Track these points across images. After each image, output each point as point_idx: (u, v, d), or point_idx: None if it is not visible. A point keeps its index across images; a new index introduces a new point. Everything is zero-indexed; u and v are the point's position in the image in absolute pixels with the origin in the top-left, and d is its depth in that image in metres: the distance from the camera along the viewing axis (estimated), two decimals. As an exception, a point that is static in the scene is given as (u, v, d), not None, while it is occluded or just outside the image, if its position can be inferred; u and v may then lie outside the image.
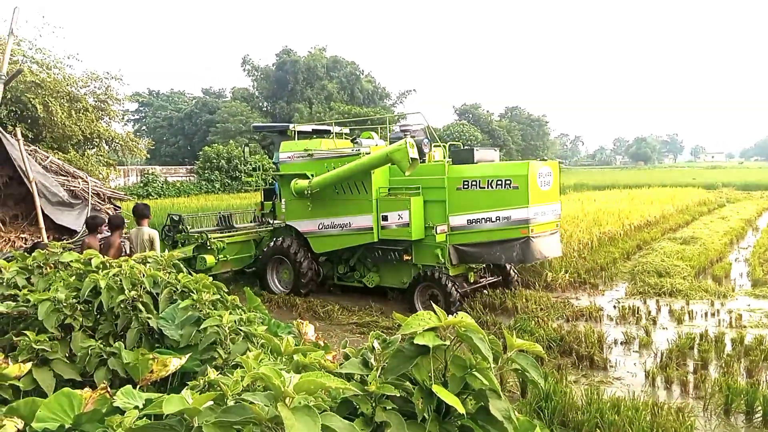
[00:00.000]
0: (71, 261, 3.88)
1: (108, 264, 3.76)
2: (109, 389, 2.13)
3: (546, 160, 10.16)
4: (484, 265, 10.71)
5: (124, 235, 8.14)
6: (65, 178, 10.04)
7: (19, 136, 8.96)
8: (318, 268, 11.38)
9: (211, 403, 1.25)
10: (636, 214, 19.43)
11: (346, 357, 1.76)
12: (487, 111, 75.83)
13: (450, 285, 9.39)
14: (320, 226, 10.91)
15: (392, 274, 10.59)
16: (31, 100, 16.40)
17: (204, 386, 1.66)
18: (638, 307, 9.74)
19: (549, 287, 11.37)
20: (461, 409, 1.44)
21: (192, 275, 3.67)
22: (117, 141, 19.92)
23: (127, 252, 7.85)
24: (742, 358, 7.29)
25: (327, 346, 2.81)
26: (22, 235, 9.33)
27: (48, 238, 8.61)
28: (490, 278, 10.89)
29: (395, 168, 9.84)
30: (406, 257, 10.00)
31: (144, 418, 1.33)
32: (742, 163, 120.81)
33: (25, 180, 8.90)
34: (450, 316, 1.68)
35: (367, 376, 1.53)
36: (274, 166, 12.57)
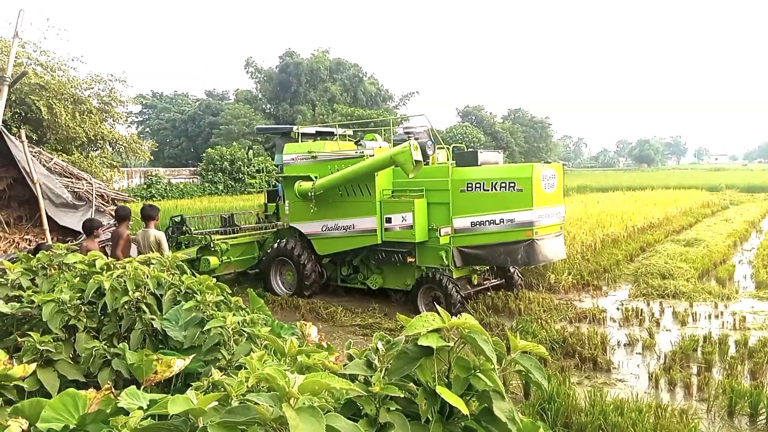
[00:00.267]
0: (75, 262, 3.89)
1: (112, 265, 3.78)
2: (113, 390, 2.14)
3: (550, 162, 10.12)
4: (488, 268, 10.68)
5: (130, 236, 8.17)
6: (69, 179, 10.08)
7: (24, 137, 8.99)
8: (321, 270, 11.38)
9: (216, 403, 1.25)
10: (639, 216, 19.40)
11: (350, 358, 1.77)
12: (490, 113, 75.83)
13: (451, 287, 9.38)
14: (324, 228, 10.91)
15: (396, 276, 10.58)
16: (35, 102, 16.47)
17: (208, 387, 1.67)
18: (641, 309, 9.72)
19: (552, 289, 11.36)
20: (465, 410, 1.44)
21: (196, 276, 3.68)
22: (120, 143, 19.99)
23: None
24: (746, 360, 7.26)
25: (330, 348, 2.81)
26: (26, 237, 9.37)
27: (52, 239, 8.63)
28: (494, 281, 10.86)
29: (399, 170, 9.84)
30: (409, 259, 9.97)
31: (149, 419, 1.34)
32: (745, 165, 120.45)
33: (29, 182, 8.93)
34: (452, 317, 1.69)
35: (371, 377, 1.53)
36: (276, 168, 12.61)
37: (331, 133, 12.53)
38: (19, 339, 2.94)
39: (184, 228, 12.09)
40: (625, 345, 8.16)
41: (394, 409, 1.51)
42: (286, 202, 11.59)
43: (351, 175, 10.05)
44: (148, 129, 66.21)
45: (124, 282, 3.40)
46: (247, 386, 1.36)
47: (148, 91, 71.02)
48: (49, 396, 2.43)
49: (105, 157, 19.72)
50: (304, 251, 11.15)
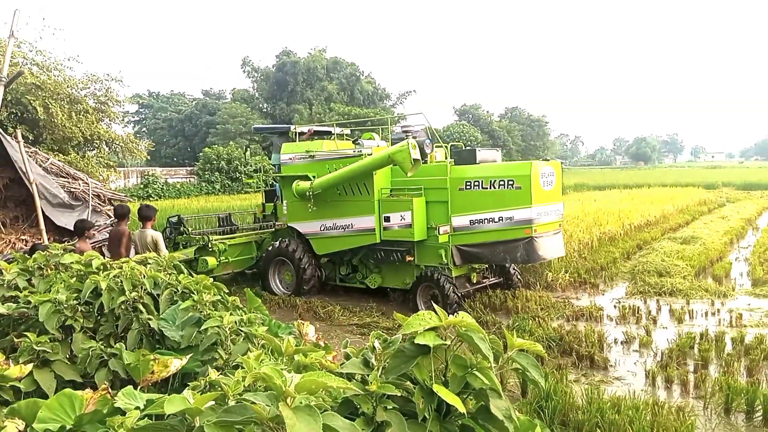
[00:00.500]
0: (72, 262, 3.89)
1: (108, 265, 3.77)
2: (110, 390, 2.14)
3: (548, 160, 10.13)
4: (487, 266, 10.68)
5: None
6: (65, 179, 10.06)
7: (20, 137, 8.97)
8: (320, 270, 11.36)
9: (213, 403, 1.25)
10: (636, 214, 19.44)
11: (347, 357, 1.77)
12: (487, 111, 75.84)
13: (448, 286, 9.37)
14: (322, 228, 10.89)
15: (395, 275, 10.57)
16: (31, 102, 16.43)
17: (205, 387, 1.67)
18: (638, 307, 9.74)
19: (549, 287, 11.38)
20: (462, 409, 1.44)
21: (193, 276, 3.67)
22: (117, 143, 19.95)
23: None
24: (743, 358, 7.29)
25: (328, 347, 2.82)
26: (23, 237, 9.35)
27: (48, 239, 8.62)
28: (493, 279, 10.87)
29: (397, 169, 9.82)
30: (408, 258, 9.96)
31: (145, 419, 1.34)
32: (742, 163, 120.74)
33: (26, 182, 8.91)
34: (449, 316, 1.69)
35: (368, 375, 1.53)
36: (273, 167, 12.58)
37: (329, 133, 12.51)
38: (16, 339, 2.94)
39: (181, 228, 12.07)
40: (622, 343, 8.18)
41: (391, 407, 1.51)
42: (284, 201, 11.56)
43: (349, 174, 10.03)
44: (144, 129, 66.06)
45: (121, 282, 3.40)
46: (244, 386, 1.36)
47: (144, 90, 70.80)
48: (45, 397, 2.43)
49: (101, 157, 19.68)
50: (303, 251, 11.13)
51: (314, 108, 52.41)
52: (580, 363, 7.42)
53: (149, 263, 3.96)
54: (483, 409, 1.57)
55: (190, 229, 12.26)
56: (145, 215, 7.88)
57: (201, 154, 41.95)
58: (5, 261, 4.48)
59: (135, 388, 1.98)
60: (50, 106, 16.61)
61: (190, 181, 40.36)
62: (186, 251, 11.41)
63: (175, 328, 3.18)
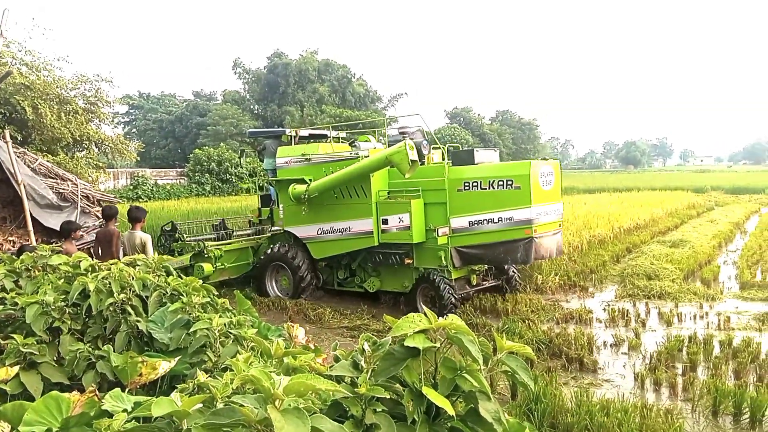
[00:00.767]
0: (60, 264, 3.86)
1: (97, 267, 3.75)
2: (97, 392, 2.12)
3: (547, 159, 10.07)
4: (487, 268, 10.60)
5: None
6: (54, 180, 9.98)
7: (8, 138, 8.90)
8: (317, 274, 11.23)
9: (201, 405, 1.24)
10: (625, 217, 19.55)
11: (337, 359, 1.76)
12: (479, 114, 76.11)
13: (444, 288, 9.30)
14: (319, 232, 10.78)
15: (393, 278, 10.46)
16: (20, 102, 16.31)
17: (193, 389, 1.66)
18: (627, 310, 9.80)
19: (539, 290, 11.41)
20: (451, 411, 1.44)
21: (182, 278, 3.65)
22: (107, 143, 19.82)
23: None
24: (730, 360, 7.34)
25: (318, 349, 2.80)
26: (10, 238, 9.27)
27: (36, 240, 8.55)
28: (492, 281, 10.75)
29: (394, 171, 9.75)
30: (407, 261, 9.87)
31: (133, 421, 1.33)
32: (730, 167, 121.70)
33: (14, 182, 8.84)
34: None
35: (358, 378, 1.53)
36: (266, 171, 12.45)
37: (325, 136, 12.40)
38: (2, 341, 2.91)
39: (176, 235, 11.94)
40: (611, 345, 8.21)
41: (380, 410, 1.51)
42: (281, 206, 11.44)
43: (346, 177, 9.94)
44: (134, 130, 65.77)
45: (109, 283, 3.38)
46: (233, 388, 1.35)
47: (134, 91, 70.61)
48: (32, 399, 2.40)
49: (91, 157, 19.55)
50: (300, 255, 11.01)
51: (306, 110, 52.37)
52: (569, 366, 7.44)
53: (138, 265, 3.94)
54: (472, 411, 1.57)
55: (185, 235, 12.12)
56: (135, 216, 7.84)
57: (191, 155, 41.78)
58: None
59: (123, 391, 1.96)
60: (39, 106, 16.49)
61: (180, 182, 40.18)
62: (181, 258, 11.32)
63: (164, 330, 3.17)
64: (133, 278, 3.51)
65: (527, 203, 8.88)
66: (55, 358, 3.03)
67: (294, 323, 3.36)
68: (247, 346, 2.88)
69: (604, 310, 10.01)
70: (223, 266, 11.52)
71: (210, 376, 1.89)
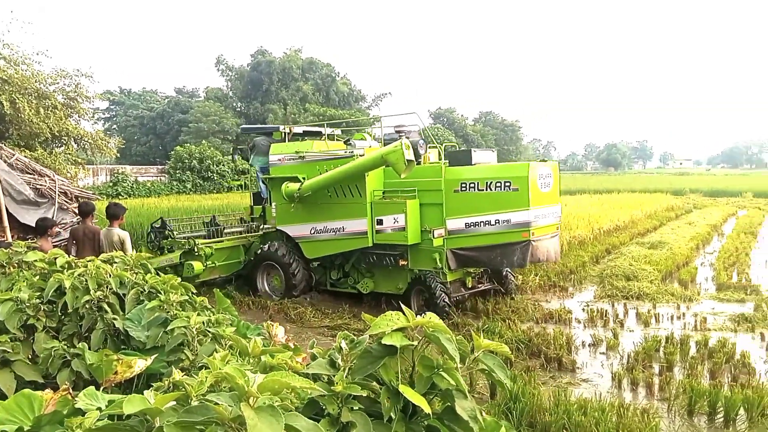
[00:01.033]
0: (35, 260, 3.81)
1: (73, 264, 3.70)
2: (71, 391, 2.09)
3: (546, 160, 9.90)
4: (482, 270, 10.43)
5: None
6: (31, 176, 9.83)
7: (-16, 132, 8.75)
8: (310, 274, 11.04)
9: (174, 403, 1.23)
10: (605, 218, 19.74)
11: (314, 358, 1.76)
12: (462, 115, 76.46)
13: (438, 291, 9.15)
14: (312, 231, 10.59)
15: (387, 279, 10.27)
16: (-3, 96, 16.05)
17: (168, 387, 1.64)
18: (606, 310, 9.89)
19: (519, 289, 11.47)
20: (427, 409, 1.44)
21: (159, 276, 3.62)
22: (86, 139, 19.58)
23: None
24: (706, 361, 7.44)
25: (297, 348, 2.80)
26: (-14, 234, 9.11)
27: (12, 237, 8.42)
28: (487, 284, 10.57)
29: (390, 170, 9.56)
30: (401, 262, 9.66)
31: (105, 419, 1.31)
32: (709, 170, 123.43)
33: (-10, 178, 8.69)
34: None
35: (334, 376, 1.52)
36: (254, 168, 12.21)
37: (319, 133, 12.15)
38: (-25, 339, 2.86)
39: (166, 232, 11.76)
40: (589, 345, 8.29)
41: (357, 408, 1.51)
42: (273, 204, 11.25)
43: (340, 176, 9.73)
44: (115, 126, 65.03)
45: (86, 281, 3.34)
46: (207, 386, 1.34)
47: (115, 87, 69.79)
48: (5, 398, 2.37)
49: (70, 153, 19.30)
50: (292, 255, 10.82)
51: (289, 108, 52.19)
52: (548, 365, 7.50)
53: (116, 262, 3.89)
54: (449, 409, 1.58)
55: (175, 232, 11.92)
56: (113, 213, 7.74)
57: (172, 152, 41.44)
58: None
59: (98, 389, 1.94)
60: (17, 101, 16.25)
61: (160, 179, 39.83)
62: (171, 255, 11.16)
63: (141, 329, 3.14)
64: (110, 275, 3.47)
65: (525, 205, 8.71)
66: (29, 356, 2.99)
67: (274, 322, 3.35)
68: (226, 345, 2.86)
69: (584, 310, 10.10)
70: (213, 264, 11.31)
71: (187, 375, 1.88)
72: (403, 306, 1.72)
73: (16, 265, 3.85)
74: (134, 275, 3.66)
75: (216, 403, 1.15)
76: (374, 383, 1.57)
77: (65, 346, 2.91)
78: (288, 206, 10.73)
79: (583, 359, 7.77)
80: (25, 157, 11.55)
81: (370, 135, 11.82)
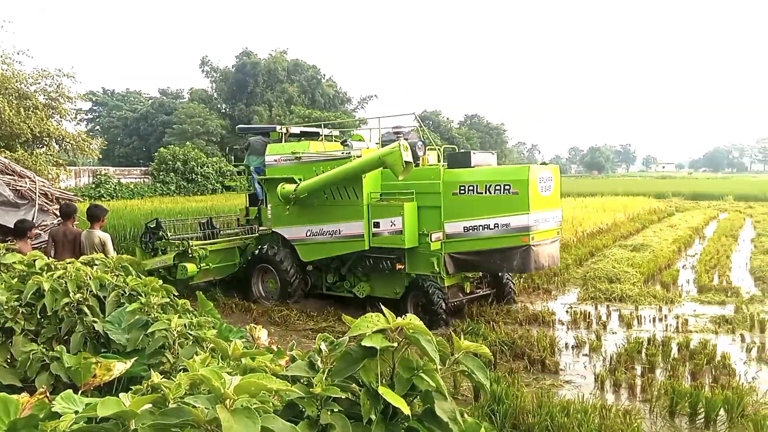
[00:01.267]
0: (14, 262, 3.75)
1: (53, 266, 3.66)
2: (48, 394, 2.06)
3: (547, 163, 9.62)
4: (481, 275, 10.28)
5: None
6: (11, 177, 9.69)
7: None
8: (306, 278, 10.85)
9: (150, 406, 1.22)
10: (589, 221, 19.88)
11: (293, 360, 1.75)
12: (447, 118, 76.71)
13: (436, 296, 8.98)
14: (308, 233, 10.40)
15: (384, 283, 10.10)
16: (-24, 96, 15.86)
17: (147, 390, 1.63)
18: (589, 312, 9.96)
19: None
20: (406, 410, 1.44)
21: (141, 278, 3.59)
22: (68, 140, 19.38)
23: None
24: (687, 362, 7.51)
25: (280, 351, 2.78)
26: (-36, 236, 8.97)
27: (-8, 239, 8.29)
28: (486, 289, 10.38)
29: (387, 172, 9.33)
30: (398, 266, 9.46)
31: (82, 423, 1.29)
32: (690, 174, 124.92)
33: (-31, 179, 8.57)
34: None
35: (314, 378, 1.52)
36: (250, 169, 12.06)
37: (317, 134, 11.97)
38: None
39: (160, 233, 11.58)
40: (573, 347, 8.34)
41: (336, 410, 1.50)
42: (269, 205, 11.07)
43: (337, 177, 9.54)
44: (98, 127, 64.45)
45: (65, 283, 3.30)
46: (186, 389, 1.33)
47: (98, 87, 69.09)
48: (-20, 401, 2.33)
49: (51, 154, 19.11)
50: (288, 258, 10.63)
51: (274, 110, 52.00)
52: (531, 367, 7.53)
53: (96, 264, 3.85)
54: (428, 411, 1.58)
55: (169, 233, 11.74)
56: (94, 215, 7.65)
57: (156, 154, 41.10)
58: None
59: (76, 393, 1.92)
60: (-3, 101, 16.05)
61: (144, 181, 39.47)
62: (165, 257, 11.02)
63: (122, 331, 3.10)
64: (90, 278, 3.43)
65: (525, 209, 8.52)
66: (7, 360, 2.95)
67: (258, 325, 3.33)
68: (207, 348, 2.84)
69: (567, 312, 10.16)
70: (207, 266, 11.12)
71: (167, 378, 1.86)
72: (383, 308, 1.72)
73: (-7, 267, 3.79)
74: (115, 277, 3.63)
75: (192, 406, 1.14)
76: (354, 385, 1.56)
77: (44, 350, 2.87)
78: (284, 208, 10.52)
79: (566, 361, 7.81)
80: (5, 157, 11.41)
81: (362, 138, 11.66)
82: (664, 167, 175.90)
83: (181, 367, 2.64)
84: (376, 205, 9.62)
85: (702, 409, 5.95)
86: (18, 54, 18.20)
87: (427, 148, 10.15)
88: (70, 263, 3.59)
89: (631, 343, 8.04)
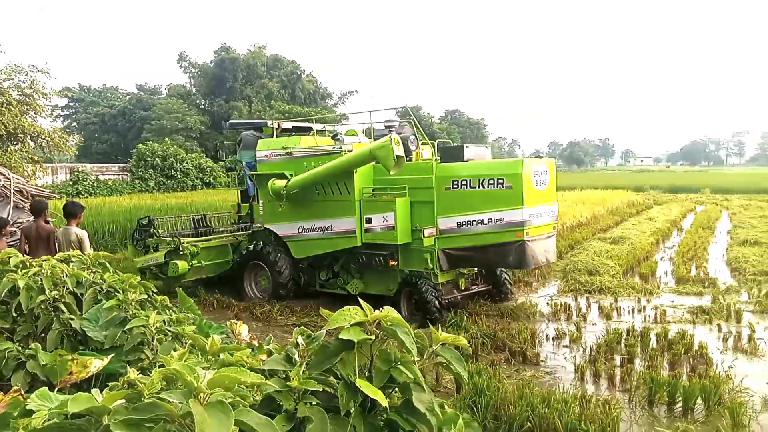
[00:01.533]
0: (-13, 260, 3.69)
1: (28, 263, 3.61)
2: (23, 392, 2.03)
3: (541, 156, 9.48)
4: (476, 271, 10.16)
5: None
6: (-15, 174, 9.54)
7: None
8: (299, 275, 10.71)
9: (123, 401, 1.21)
10: (569, 215, 20.05)
11: (270, 353, 1.74)
12: (428, 113, 76.78)
13: (428, 293, 8.84)
14: (300, 230, 10.27)
15: (378, 280, 9.95)
16: (-52, 92, 15.55)
17: (123, 386, 1.61)
18: (569, 304, 10.06)
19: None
20: (384, 402, 1.44)
21: (119, 275, 3.55)
22: (43, 137, 19.08)
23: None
24: (666, 352, 7.62)
25: (261, 346, 2.77)
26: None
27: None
28: (482, 286, 10.23)
29: (380, 167, 9.22)
30: (391, 263, 9.31)
31: (54, 419, 1.28)
32: (668, 167, 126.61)
33: (-59, 176, 8.41)
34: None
35: (291, 371, 1.51)
36: (241, 164, 11.94)
37: (309, 128, 11.78)
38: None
39: (151, 230, 11.43)
40: (553, 339, 8.42)
41: (315, 403, 1.50)
42: (260, 201, 10.95)
43: (328, 173, 9.40)
44: (75, 123, 63.55)
45: (41, 280, 3.26)
46: (162, 384, 1.32)
47: (74, 83, 68.12)
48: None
49: (26, 151, 18.80)
50: (280, 254, 10.50)
51: (254, 105, 51.68)
52: (512, 359, 7.59)
53: (72, 261, 3.81)
54: (406, 402, 1.58)
55: (160, 230, 11.60)
56: (70, 212, 7.55)
57: (134, 150, 40.67)
58: None
59: (52, 391, 1.89)
60: (-31, 97, 15.76)
61: (122, 178, 39.03)
62: (156, 255, 10.88)
63: (99, 328, 3.07)
64: (66, 275, 3.39)
65: (519, 204, 8.36)
66: (-19, 358, 2.90)
67: (239, 321, 3.32)
68: (186, 344, 2.82)
69: (548, 304, 10.25)
70: (199, 264, 11.01)
71: (145, 375, 1.84)
72: (361, 301, 1.72)
73: (-34, 265, 3.73)
74: (92, 274, 3.59)
75: (169, 402, 1.13)
76: (331, 378, 1.56)
77: (19, 348, 2.84)
78: (275, 204, 10.40)
79: (546, 352, 7.89)
80: (-21, 155, 11.21)
81: (355, 133, 11.51)
82: (642, 161, 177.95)
83: (159, 364, 2.62)
84: (368, 200, 9.48)
85: (680, 398, 6.04)
86: (-12, 49, 17.89)
87: (420, 142, 10.02)
88: (45, 260, 3.54)
89: (611, 334, 8.14)
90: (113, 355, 2.68)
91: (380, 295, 9.68)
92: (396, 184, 9.30)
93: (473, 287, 10.09)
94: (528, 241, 8.48)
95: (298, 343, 1.60)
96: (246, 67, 54.37)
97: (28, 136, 18.54)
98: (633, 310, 9.84)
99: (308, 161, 10.00)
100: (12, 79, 17.98)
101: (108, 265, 3.93)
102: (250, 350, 2.15)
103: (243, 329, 3.28)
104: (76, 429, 1.20)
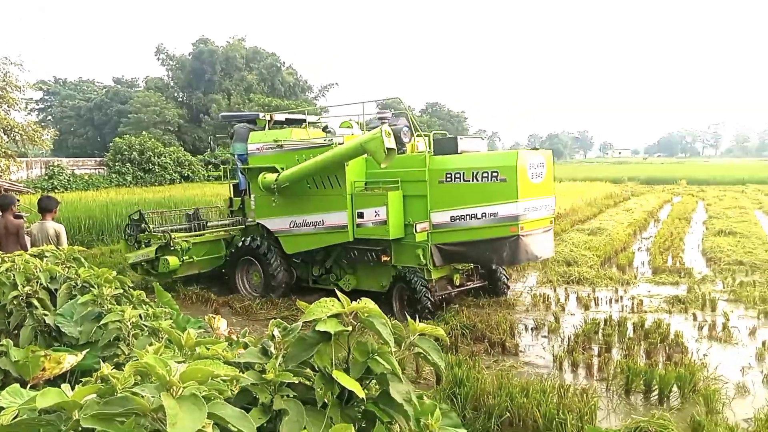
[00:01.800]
0: (-42, 256, 3.62)
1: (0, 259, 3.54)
2: (-6, 390, 2.00)
3: (537, 148, 9.11)
4: (472, 267, 9.90)
5: (26, 229, 7.67)
6: (-43, 169, 9.35)
7: None
8: (291, 270, 10.54)
9: (94, 396, 1.19)
10: (548, 206, 20.18)
11: (245, 346, 1.73)
12: (409, 106, 76.71)
13: (421, 289, 8.67)
14: (292, 225, 10.07)
15: (370, 276, 9.77)
16: None
17: (97, 381, 1.59)
18: (548, 295, 10.15)
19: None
20: (360, 393, 1.44)
21: (94, 270, 3.50)
22: (17, 131, 18.71)
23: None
24: (642, 341, 7.74)
25: (238, 340, 2.75)
26: None
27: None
28: (478, 281, 10.00)
29: (372, 160, 8.98)
30: (384, 258, 9.09)
31: (25, 415, 1.26)
32: (645, 159, 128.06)
33: None
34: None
35: (267, 364, 1.50)
36: (234, 157, 11.71)
37: (303, 121, 11.50)
38: None
39: (142, 225, 11.23)
40: (532, 329, 8.50)
41: (291, 396, 1.49)
42: (252, 196, 10.76)
43: (319, 166, 9.18)
44: (50, 117, 62.50)
45: (13, 276, 3.20)
46: (136, 379, 1.30)
47: (49, 76, 66.88)
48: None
49: (-1, 145, 18.43)
50: (272, 250, 10.33)
51: (233, 98, 51.26)
52: (492, 350, 7.66)
53: (46, 256, 3.75)
54: (384, 393, 1.58)
55: (152, 225, 11.40)
56: (45, 207, 7.43)
57: (111, 144, 40.11)
58: None
59: (25, 387, 1.86)
60: (-60, 90, 15.40)
61: (99, 172, 38.47)
62: (147, 250, 10.71)
63: (74, 324, 3.03)
64: (39, 270, 3.34)
65: (513, 197, 8.12)
66: (-48, 356, 2.84)
67: (217, 315, 3.29)
68: (163, 339, 2.79)
69: (527, 295, 10.33)
70: (191, 259, 10.87)
71: (114, 369, 1.82)
72: (337, 291, 1.72)
73: (-63, 261, 3.65)
74: (66, 269, 3.54)
75: (142, 396, 1.11)
76: (308, 370, 1.55)
77: (-9, 344, 2.78)
78: (267, 198, 10.24)
79: (525, 343, 7.96)
80: (-50, 149, 10.97)
81: (350, 125, 11.41)
82: (620, 153, 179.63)
83: (134, 359, 2.59)
84: (359, 194, 9.27)
85: (656, 386, 6.14)
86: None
87: (414, 134, 9.82)
88: (18, 255, 3.49)
89: (588, 324, 8.23)
90: (88, 350, 2.64)
91: (374, 292, 9.42)
92: (389, 177, 9.09)
93: (468, 283, 9.88)
94: (523, 236, 8.28)
95: (274, 336, 1.59)
96: (225, 59, 53.91)
97: (1, 129, 18.16)
98: (610, 300, 9.96)
99: (299, 154, 9.80)
100: (-17, 71, 17.63)
101: (83, 260, 3.88)
102: (228, 344, 2.13)
103: (221, 323, 3.25)
104: (45, 425, 1.18)
